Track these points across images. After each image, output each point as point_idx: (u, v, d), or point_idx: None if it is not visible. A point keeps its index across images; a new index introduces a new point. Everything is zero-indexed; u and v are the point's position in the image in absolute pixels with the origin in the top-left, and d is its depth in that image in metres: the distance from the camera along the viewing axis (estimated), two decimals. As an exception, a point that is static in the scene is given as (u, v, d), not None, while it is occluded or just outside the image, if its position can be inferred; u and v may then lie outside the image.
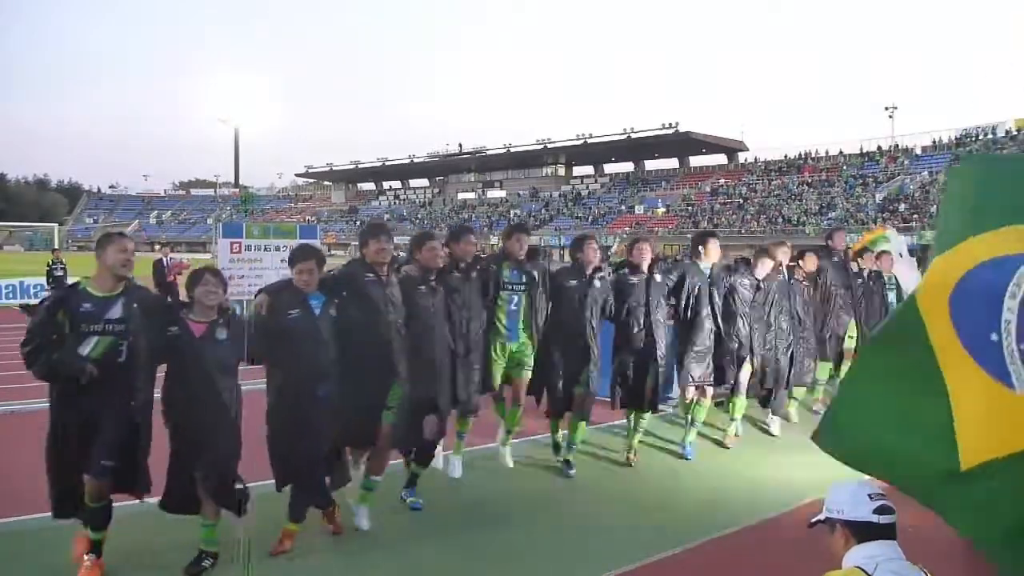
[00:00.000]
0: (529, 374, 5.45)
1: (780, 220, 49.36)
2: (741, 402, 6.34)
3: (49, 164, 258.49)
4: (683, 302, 6.00)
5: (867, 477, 2.42)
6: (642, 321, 5.65)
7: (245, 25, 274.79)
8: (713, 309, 6.08)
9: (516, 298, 5.36)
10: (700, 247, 6.30)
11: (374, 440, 4.36)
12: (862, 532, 2.19)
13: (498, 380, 5.40)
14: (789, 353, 6.56)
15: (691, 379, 6.02)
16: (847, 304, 7.41)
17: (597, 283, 5.50)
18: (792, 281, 6.80)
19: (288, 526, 4.11)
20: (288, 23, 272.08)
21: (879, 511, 2.18)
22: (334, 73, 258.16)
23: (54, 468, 3.69)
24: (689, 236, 51.52)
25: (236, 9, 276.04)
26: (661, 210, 58.77)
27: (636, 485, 5.33)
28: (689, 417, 6.12)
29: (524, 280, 5.39)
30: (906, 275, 8.63)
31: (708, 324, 6.03)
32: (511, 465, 5.57)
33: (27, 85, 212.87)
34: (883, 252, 8.33)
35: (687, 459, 5.94)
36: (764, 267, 6.41)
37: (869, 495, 2.22)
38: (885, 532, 2.18)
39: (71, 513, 3.79)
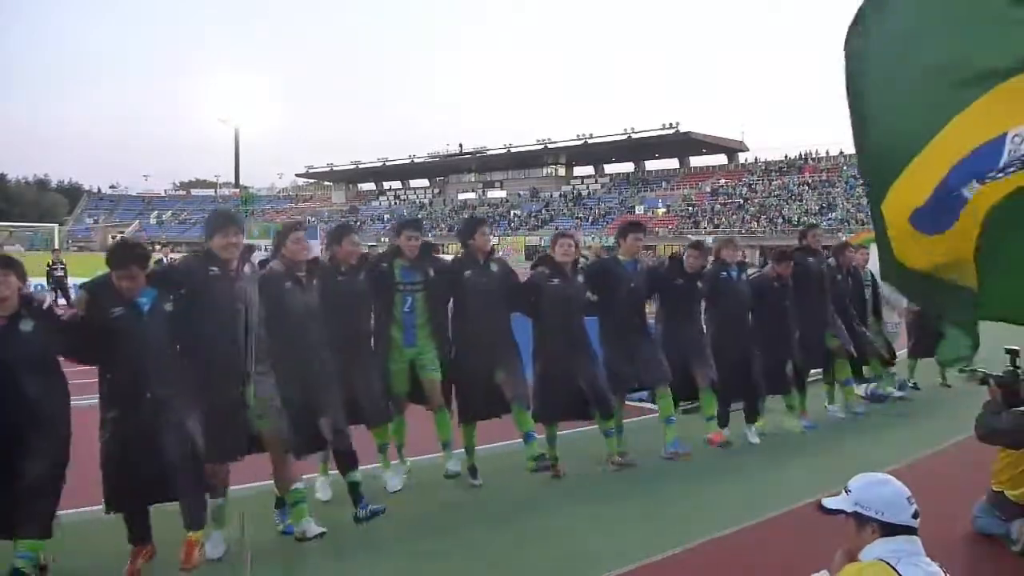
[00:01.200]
0: (438, 376, 5.01)
1: (780, 220, 49.40)
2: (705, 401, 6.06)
3: (49, 164, 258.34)
4: (605, 300, 5.68)
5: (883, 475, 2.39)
6: (562, 324, 5.35)
7: (245, 25, 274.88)
8: (636, 307, 5.81)
9: (410, 299, 5.00)
10: (620, 240, 5.97)
11: (244, 450, 4.02)
12: (893, 531, 2.19)
13: (399, 388, 5.02)
14: (749, 358, 6.26)
15: (618, 381, 5.64)
16: (823, 305, 6.97)
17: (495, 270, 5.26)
18: (757, 281, 6.61)
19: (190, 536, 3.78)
20: (288, 23, 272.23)
21: (914, 516, 2.21)
22: (334, 73, 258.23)
23: None
24: (690, 237, 51.70)
25: (236, 9, 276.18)
26: (661, 210, 58.80)
27: (635, 485, 5.32)
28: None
29: (419, 279, 5.02)
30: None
31: (635, 321, 5.78)
32: (462, 475, 5.12)
33: (27, 85, 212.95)
34: (860, 247, 8.06)
35: (670, 458, 5.76)
36: (690, 261, 6.04)
37: (907, 499, 2.22)
38: (914, 532, 2.21)
39: None
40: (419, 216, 74.41)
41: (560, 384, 5.33)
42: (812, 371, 7.24)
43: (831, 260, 7.35)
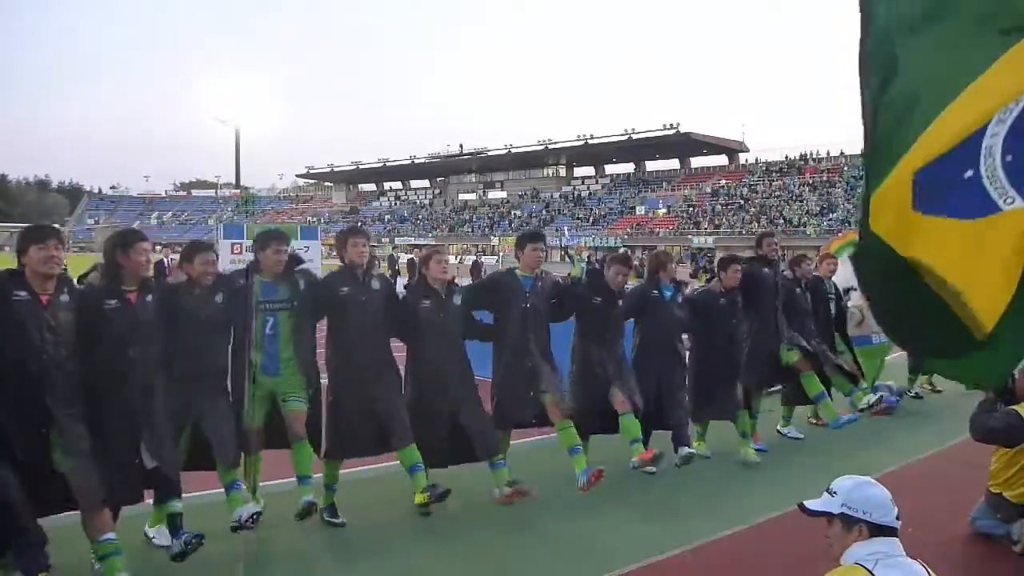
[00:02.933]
0: (302, 406, 4.37)
1: (781, 221, 49.36)
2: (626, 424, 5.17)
3: (50, 164, 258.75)
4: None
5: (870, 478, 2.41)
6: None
7: (245, 25, 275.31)
8: (529, 325, 5.02)
9: (272, 319, 4.38)
10: (518, 252, 5.22)
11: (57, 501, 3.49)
12: (881, 532, 2.21)
13: (253, 421, 4.31)
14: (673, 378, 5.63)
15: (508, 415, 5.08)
16: (775, 318, 6.25)
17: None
18: (701, 297, 6.05)
19: None
20: (289, 23, 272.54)
21: (898, 517, 2.24)
22: (334, 73, 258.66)
23: None
24: (690, 237, 51.79)
25: (237, 9, 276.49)
26: (662, 211, 58.78)
27: (636, 486, 5.32)
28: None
29: (281, 296, 4.41)
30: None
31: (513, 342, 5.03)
32: (337, 519, 4.56)
33: (27, 85, 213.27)
34: (826, 256, 7.49)
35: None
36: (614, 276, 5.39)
37: (891, 500, 2.26)
38: (894, 532, 2.22)
39: None
40: (419, 216, 74.51)
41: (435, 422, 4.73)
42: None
43: (787, 272, 6.68)
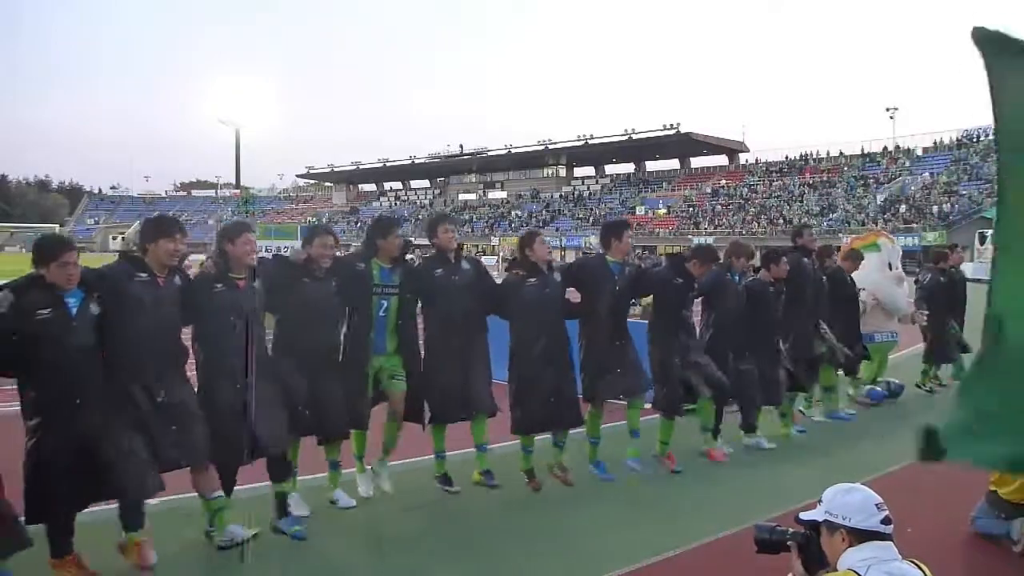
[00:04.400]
0: (403, 385, 4.78)
1: (781, 221, 49.36)
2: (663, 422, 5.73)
3: (50, 165, 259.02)
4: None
5: (861, 484, 2.40)
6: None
7: (246, 25, 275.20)
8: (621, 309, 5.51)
9: (385, 303, 4.73)
10: (611, 241, 5.49)
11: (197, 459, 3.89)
12: (864, 537, 2.21)
13: (368, 397, 4.74)
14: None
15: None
16: (816, 309, 6.79)
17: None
18: (752, 285, 6.21)
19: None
20: (289, 23, 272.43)
21: (884, 521, 2.22)
22: (334, 73, 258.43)
23: None
24: (691, 237, 51.79)
25: (237, 9, 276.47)
26: (662, 211, 58.80)
27: (635, 486, 5.31)
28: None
29: (395, 282, 4.77)
30: (887, 289, 8.05)
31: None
32: (390, 490, 4.85)
33: (27, 85, 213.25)
34: (851, 252, 7.78)
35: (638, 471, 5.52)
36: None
37: (876, 505, 2.24)
38: (887, 538, 2.22)
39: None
40: (419, 217, 74.46)
41: (538, 394, 5.06)
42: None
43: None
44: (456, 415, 4.99)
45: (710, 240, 49.93)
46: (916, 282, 8.87)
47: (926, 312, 8.28)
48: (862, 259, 7.64)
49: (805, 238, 6.97)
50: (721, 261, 6.13)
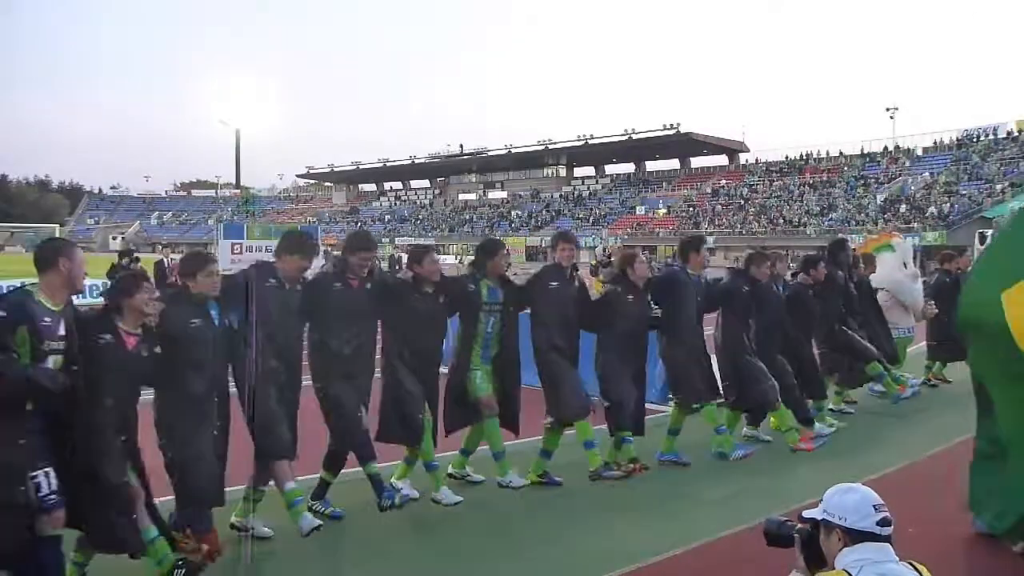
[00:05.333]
0: (490, 389, 5.17)
1: (781, 221, 49.35)
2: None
3: (50, 165, 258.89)
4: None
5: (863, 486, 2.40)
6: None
7: (246, 25, 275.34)
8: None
9: (492, 319, 5.16)
10: (690, 255, 6.02)
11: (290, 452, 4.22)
12: (859, 538, 2.20)
13: (475, 397, 5.16)
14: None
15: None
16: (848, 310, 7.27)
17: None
18: (794, 288, 6.67)
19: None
20: (289, 23, 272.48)
21: (881, 523, 2.20)
22: (334, 73, 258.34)
23: None
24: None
25: (237, 9, 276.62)
26: (662, 211, 58.76)
27: (635, 487, 5.32)
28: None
29: (501, 300, 5.20)
30: (906, 286, 8.45)
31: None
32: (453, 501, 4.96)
33: (28, 86, 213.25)
34: (866, 255, 8.24)
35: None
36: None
37: (874, 506, 2.23)
38: (883, 540, 2.20)
39: None
40: (419, 217, 74.49)
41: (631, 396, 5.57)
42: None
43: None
44: (572, 416, 5.36)
45: (710, 240, 49.93)
46: (924, 282, 9.20)
47: (934, 305, 8.61)
48: (874, 261, 8.09)
49: (841, 255, 7.44)
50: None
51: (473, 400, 5.11)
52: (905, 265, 8.54)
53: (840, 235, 36.37)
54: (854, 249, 8.55)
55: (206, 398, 3.77)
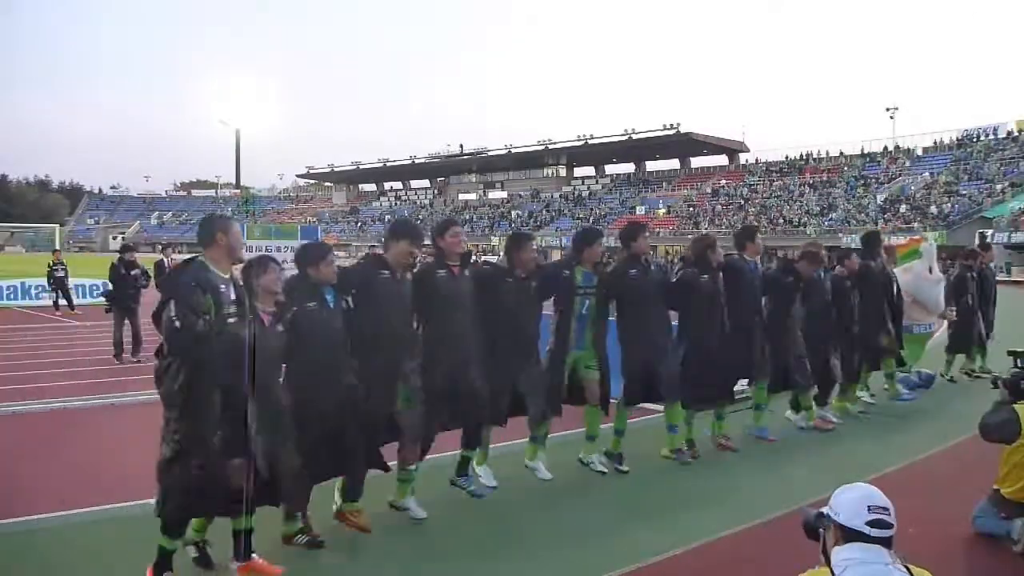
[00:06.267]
0: (597, 375, 5.42)
1: (781, 221, 49.35)
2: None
3: (50, 165, 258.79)
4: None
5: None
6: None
7: (246, 25, 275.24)
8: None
9: (587, 302, 5.40)
10: (745, 243, 6.45)
11: (397, 434, 4.47)
12: (851, 536, 2.19)
13: (564, 384, 5.40)
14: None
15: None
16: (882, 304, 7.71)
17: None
18: (835, 280, 7.13)
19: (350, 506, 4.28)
20: (289, 23, 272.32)
21: (872, 524, 2.17)
22: (334, 73, 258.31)
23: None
24: (690, 237, 51.58)
25: (237, 9, 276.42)
26: (662, 211, 58.77)
27: (635, 486, 5.32)
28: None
29: (594, 284, 5.45)
30: (929, 291, 8.70)
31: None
32: (548, 477, 5.29)
33: (28, 86, 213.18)
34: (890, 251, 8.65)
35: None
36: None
37: (869, 507, 2.20)
38: (876, 541, 2.17)
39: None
40: (419, 217, 74.47)
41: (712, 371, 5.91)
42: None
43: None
44: (649, 398, 5.75)
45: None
46: (946, 275, 9.59)
47: (954, 308, 9.08)
48: (895, 252, 8.70)
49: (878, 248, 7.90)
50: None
51: (575, 384, 5.40)
52: (931, 270, 8.79)
53: (840, 235, 36.52)
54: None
55: (324, 375, 4.04)
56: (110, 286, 11.10)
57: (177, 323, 3.29)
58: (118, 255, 11.52)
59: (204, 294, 3.38)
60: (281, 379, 3.98)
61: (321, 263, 4.14)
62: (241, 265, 3.86)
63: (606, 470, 5.49)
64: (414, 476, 4.56)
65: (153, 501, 3.48)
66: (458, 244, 4.81)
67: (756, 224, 8.08)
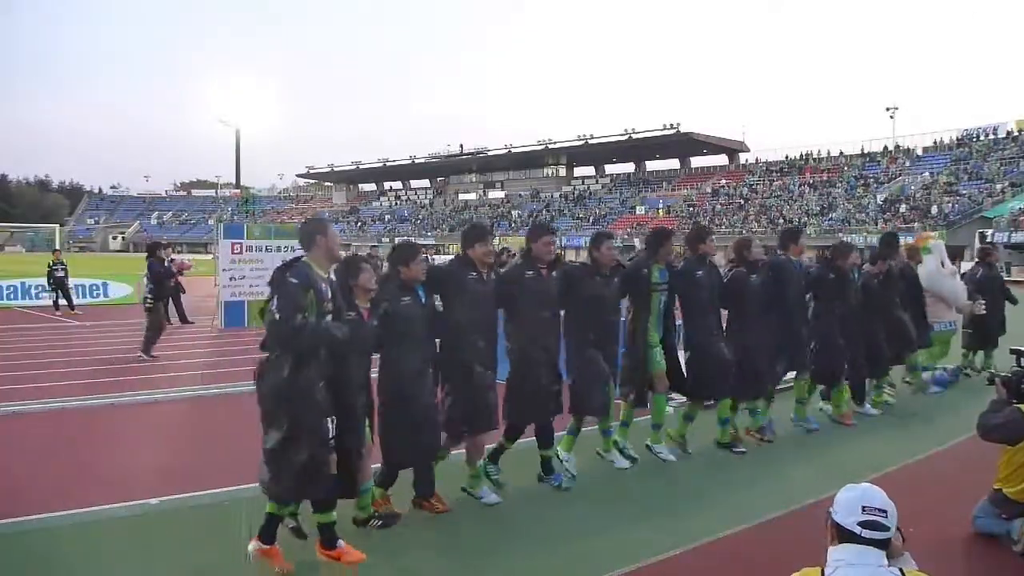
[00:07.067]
0: (664, 366, 5.79)
1: (781, 221, 49.33)
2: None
3: (50, 165, 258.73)
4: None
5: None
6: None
7: (246, 25, 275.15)
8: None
9: (663, 298, 5.81)
10: (789, 244, 6.77)
11: (494, 424, 4.81)
12: (844, 536, 2.19)
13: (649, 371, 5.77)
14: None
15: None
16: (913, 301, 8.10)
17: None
18: (864, 279, 7.36)
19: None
20: (289, 23, 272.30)
21: (864, 525, 2.16)
22: (335, 73, 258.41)
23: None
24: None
25: (237, 9, 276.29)
26: (662, 211, 58.77)
27: (635, 486, 5.31)
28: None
29: (668, 280, 5.83)
30: (947, 284, 8.93)
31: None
32: (627, 465, 5.67)
33: (28, 86, 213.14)
34: (913, 249, 8.87)
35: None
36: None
37: (863, 507, 2.19)
38: (867, 543, 2.16)
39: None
40: (419, 217, 74.42)
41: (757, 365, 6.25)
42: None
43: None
44: (723, 390, 6.09)
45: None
46: (963, 275, 9.77)
47: (983, 301, 9.23)
48: (919, 254, 8.81)
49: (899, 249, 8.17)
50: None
51: (649, 375, 5.74)
52: (943, 264, 8.99)
53: (840, 234, 36.51)
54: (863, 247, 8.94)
55: (419, 367, 4.40)
56: (151, 287, 11.20)
57: (278, 316, 3.56)
58: (149, 256, 11.69)
59: (306, 292, 3.64)
60: (374, 370, 4.31)
61: (412, 262, 4.47)
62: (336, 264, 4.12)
63: (673, 457, 5.87)
64: (485, 469, 4.98)
65: (256, 483, 3.79)
66: (550, 250, 5.11)
67: (799, 227, 8.65)
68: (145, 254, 12.39)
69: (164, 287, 11.33)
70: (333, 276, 3.98)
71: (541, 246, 5.07)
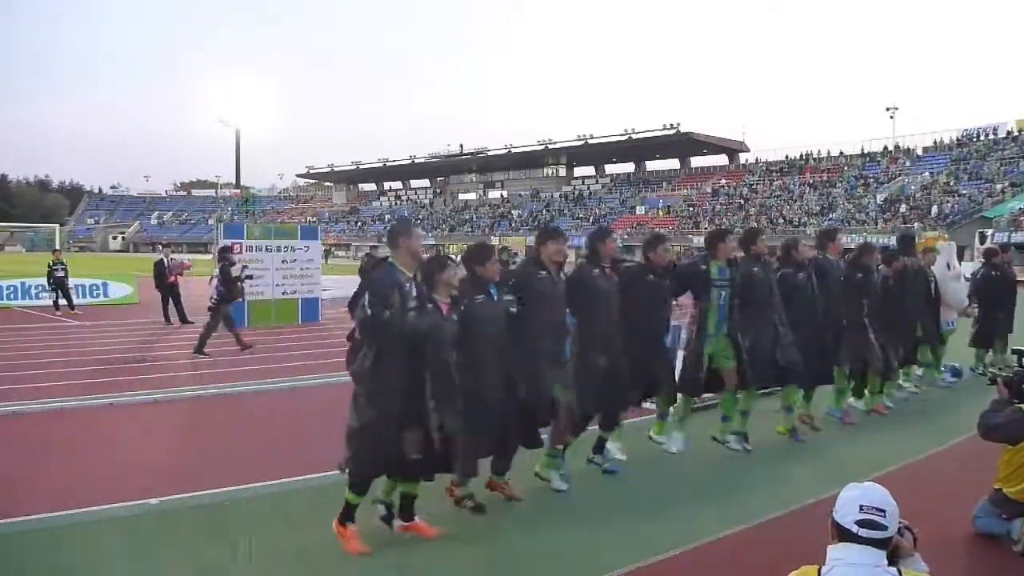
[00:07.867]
0: (732, 364, 5.98)
1: (781, 221, 49.31)
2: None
3: (50, 165, 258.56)
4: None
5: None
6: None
7: (246, 25, 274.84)
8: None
9: (723, 294, 5.98)
10: (826, 243, 7.14)
11: (547, 418, 4.96)
12: (843, 535, 2.19)
13: (703, 370, 6.01)
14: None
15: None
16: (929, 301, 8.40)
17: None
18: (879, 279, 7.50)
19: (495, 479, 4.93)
20: (289, 23, 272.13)
21: (862, 524, 2.16)
22: (334, 73, 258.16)
23: None
24: (691, 237, 51.75)
25: (237, 9, 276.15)
26: (662, 211, 58.76)
27: (635, 486, 5.32)
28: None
29: (729, 277, 6.01)
30: (950, 286, 9.02)
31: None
32: (675, 450, 5.98)
33: (28, 86, 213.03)
34: (928, 250, 9.01)
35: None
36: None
37: (861, 506, 2.19)
38: (865, 542, 2.16)
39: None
40: (419, 216, 74.43)
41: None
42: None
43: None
44: (772, 380, 6.37)
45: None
46: (971, 275, 10.00)
47: (976, 305, 9.52)
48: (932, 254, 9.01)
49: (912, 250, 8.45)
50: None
51: (713, 369, 5.99)
52: (949, 266, 9.13)
53: (840, 234, 36.43)
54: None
55: (494, 361, 4.56)
56: (221, 289, 11.24)
57: (369, 311, 3.91)
58: (221, 259, 11.75)
59: (392, 290, 3.96)
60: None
61: (487, 262, 4.69)
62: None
63: (740, 448, 6.10)
64: (560, 453, 5.18)
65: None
66: (613, 250, 5.39)
67: (837, 227, 9.20)
68: (215, 257, 12.45)
69: (235, 290, 11.35)
70: (418, 275, 4.22)
71: (607, 246, 5.33)
